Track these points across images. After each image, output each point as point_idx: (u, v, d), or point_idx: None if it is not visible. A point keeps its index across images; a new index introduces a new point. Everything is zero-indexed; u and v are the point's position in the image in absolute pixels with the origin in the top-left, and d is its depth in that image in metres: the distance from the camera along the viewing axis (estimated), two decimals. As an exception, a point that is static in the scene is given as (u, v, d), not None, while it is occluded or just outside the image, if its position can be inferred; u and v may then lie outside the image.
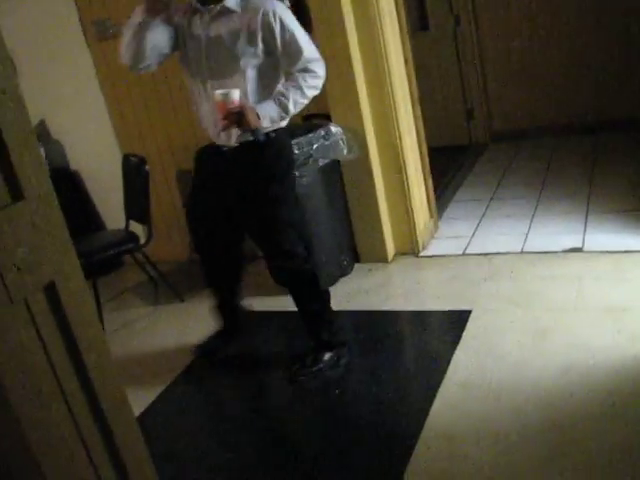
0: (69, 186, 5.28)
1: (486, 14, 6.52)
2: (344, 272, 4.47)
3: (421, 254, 4.59)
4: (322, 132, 4.04)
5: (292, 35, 3.00)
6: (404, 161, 4.41)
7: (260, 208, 3.23)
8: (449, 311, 3.82)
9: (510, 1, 6.37)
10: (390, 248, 4.59)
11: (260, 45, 3.01)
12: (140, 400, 3.44)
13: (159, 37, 3.10)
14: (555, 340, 3.30)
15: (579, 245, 4.22)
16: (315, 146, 3.98)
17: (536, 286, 3.87)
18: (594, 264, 3.97)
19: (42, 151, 4.24)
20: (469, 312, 3.71)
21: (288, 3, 4.23)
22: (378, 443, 2.86)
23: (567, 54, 6.33)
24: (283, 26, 3.00)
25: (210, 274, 3.62)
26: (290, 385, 3.42)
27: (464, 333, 3.53)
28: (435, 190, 4.98)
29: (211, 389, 3.59)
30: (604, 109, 6.35)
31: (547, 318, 3.51)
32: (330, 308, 3.52)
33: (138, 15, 3.03)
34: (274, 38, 3.00)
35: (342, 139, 4.10)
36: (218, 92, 2.90)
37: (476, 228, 4.85)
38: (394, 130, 4.32)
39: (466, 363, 3.27)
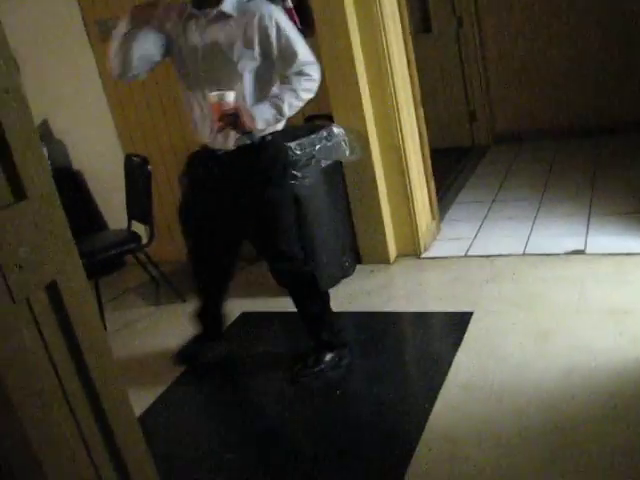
0: (71, 186, 5.28)
1: (489, 16, 6.52)
2: (346, 273, 4.46)
3: (423, 256, 4.59)
4: (324, 133, 4.04)
5: (287, 39, 3.02)
6: (406, 162, 4.41)
7: (257, 211, 3.23)
8: (451, 313, 3.81)
9: (513, 3, 6.36)
10: (392, 249, 4.59)
11: (257, 48, 3.02)
12: (141, 400, 3.44)
13: (147, 46, 3.10)
14: (557, 342, 3.30)
15: (581, 247, 4.22)
16: (317, 147, 3.98)
17: (538, 288, 3.87)
18: (596, 266, 3.96)
19: (44, 151, 4.25)
20: (471, 314, 3.71)
21: (290, 4, 4.24)
22: (379, 444, 2.86)
23: (569, 57, 6.33)
24: (279, 30, 3.01)
25: (201, 280, 3.62)
26: (291, 386, 3.41)
27: (466, 335, 3.52)
28: (437, 192, 4.98)
29: (212, 389, 3.59)
30: (606, 111, 6.34)
31: (549, 320, 3.50)
32: (330, 309, 3.52)
33: (123, 26, 3.03)
34: (270, 42, 3.01)
35: (344, 140, 4.10)
36: (213, 94, 2.92)
37: (478, 230, 4.84)
38: (396, 131, 4.32)
39: (468, 365, 3.27)
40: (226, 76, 3.03)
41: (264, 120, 3.01)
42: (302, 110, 4.43)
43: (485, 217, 5.05)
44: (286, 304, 3.56)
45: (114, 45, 3.06)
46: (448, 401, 3.03)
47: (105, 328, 4.22)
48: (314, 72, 3.09)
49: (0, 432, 1.19)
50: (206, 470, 2.95)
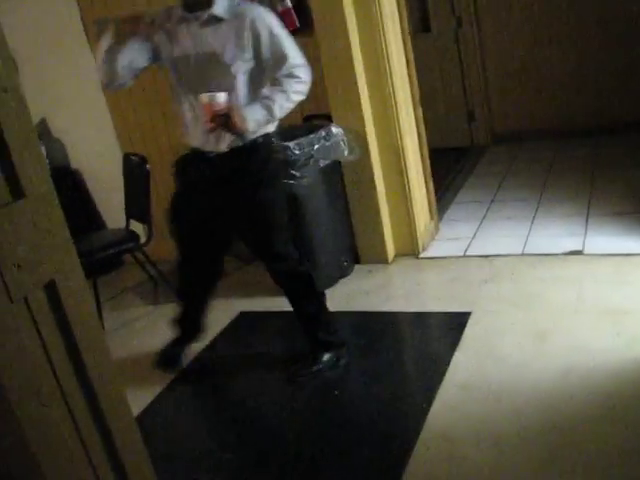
0: (70, 185, 5.28)
1: (488, 16, 6.52)
2: (344, 273, 4.47)
3: (421, 255, 4.59)
4: (323, 133, 4.04)
5: (278, 41, 3.04)
6: (405, 162, 4.41)
7: (250, 213, 3.24)
8: (449, 313, 3.82)
9: (512, 3, 6.37)
10: (390, 249, 4.59)
11: (249, 51, 3.03)
12: (139, 400, 3.44)
13: (132, 56, 3.12)
14: (555, 342, 3.30)
15: (580, 248, 4.22)
16: (316, 147, 3.98)
17: (536, 288, 3.87)
18: (594, 267, 3.97)
19: (43, 150, 4.24)
20: (469, 314, 3.71)
21: (289, 4, 4.26)
22: (377, 444, 2.86)
23: (569, 57, 6.33)
24: (269, 32, 3.03)
25: (188, 284, 3.62)
26: (289, 385, 3.42)
27: (464, 335, 3.53)
28: (436, 192, 4.98)
29: (210, 389, 3.59)
30: (606, 112, 6.35)
31: (547, 320, 3.51)
32: (326, 309, 3.53)
33: (107, 39, 3.06)
34: (261, 44, 3.02)
35: (343, 140, 4.10)
36: (204, 95, 2.94)
37: (477, 230, 4.85)
38: (395, 131, 4.33)
39: (466, 365, 3.27)
40: (219, 79, 3.04)
41: (255, 121, 3.02)
42: (301, 110, 4.45)
43: (484, 217, 5.06)
44: (284, 304, 3.56)
45: (98, 58, 3.10)
46: (446, 401, 3.03)
47: (103, 327, 4.22)
48: (304, 74, 3.10)
49: (-2, 432, 1.20)
50: (204, 470, 2.95)
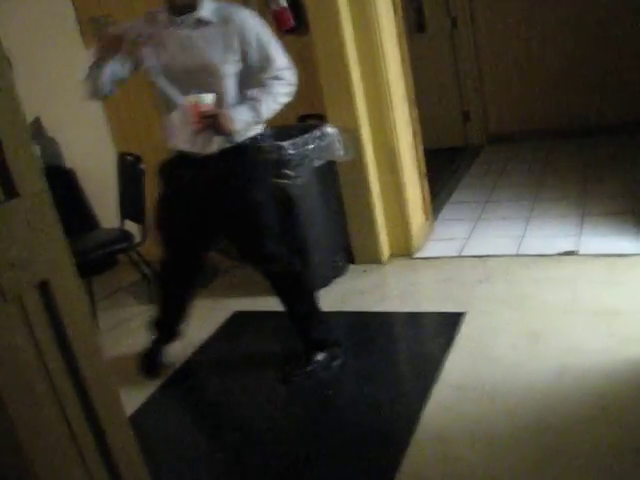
0: (64, 184, 5.27)
1: (483, 16, 6.52)
2: (338, 273, 4.47)
3: (416, 256, 4.59)
4: (318, 133, 4.04)
5: (265, 44, 3.07)
6: (400, 162, 4.41)
7: (239, 215, 3.24)
8: (443, 313, 3.82)
9: (507, 4, 6.37)
10: (385, 249, 4.59)
11: (237, 54, 3.05)
12: (133, 399, 3.43)
13: (115, 69, 3.14)
14: (549, 343, 3.31)
15: (574, 248, 4.22)
16: (311, 147, 3.98)
17: (531, 289, 3.88)
18: (588, 267, 3.97)
19: (37, 149, 4.23)
20: (463, 314, 3.71)
21: (284, 3, 4.26)
22: (371, 444, 2.86)
23: (564, 57, 6.34)
24: (256, 35, 3.06)
25: (170, 287, 3.62)
26: (283, 385, 3.41)
27: (458, 335, 3.53)
28: (431, 192, 4.98)
29: (203, 389, 3.59)
30: (600, 112, 6.36)
31: (541, 321, 3.51)
32: (319, 308, 3.53)
33: (90, 56, 3.09)
34: (248, 47, 3.05)
35: (338, 140, 4.10)
36: (191, 95, 2.95)
37: (471, 230, 4.85)
38: (390, 131, 4.33)
39: (460, 365, 3.28)
40: (207, 81, 3.04)
41: (242, 122, 3.04)
42: (295, 110, 4.45)
43: (478, 217, 5.06)
44: (278, 303, 3.56)
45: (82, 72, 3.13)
46: (440, 401, 3.03)
47: (97, 327, 4.21)
48: (290, 77, 3.15)
49: (-9, 431, 1.19)
50: (197, 470, 2.95)
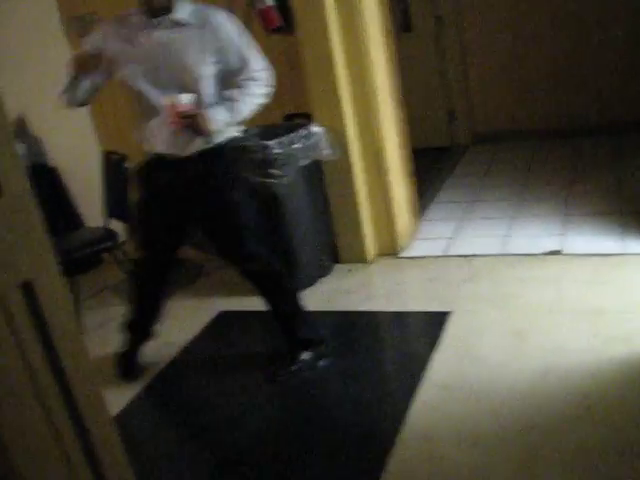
0: (48, 183, 5.25)
1: (469, 16, 6.53)
2: (324, 272, 4.46)
3: (401, 255, 4.60)
4: (304, 132, 4.03)
5: (242, 45, 3.11)
6: (385, 162, 4.41)
7: (218, 215, 3.26)
8: (429, 312, 3.82)
9: (493, 4, 6.38)
10: (370, 249, 4.59)
11: (213, 55, 3.06)
12: (118, 399, 3.42)
13: (93, 80, 3.15)
14: (533, 342, 3.32)
15: (558, 248, 4.24)
16: (296, 146, 3.97)
17: (515, 288, 3.89)
18: (573, 267, 3.99)
19: (21, 147, 4.22)
20: (449, 313, 3.72)
21: (270, 2, 4.25)
22: (356, 444, 2.86)
23: (550, 58, 6.35)
24: (233, 37, 3.09)
25: (146, 288, 3.61)
26: (269, 385, 3.41)
27: (443, 334, 3.53)
28: (417, 191, 4.99)
29: (189, 389, 3.57)
30: (586, 113, 6.37)
31: (526, 320, 3.52)
32: (303, 308, 3.53)
33: (68, 73, 3.07)
34: (225, 48, 3.07)
35: (324, 139, 4.10)
36: (168, 96, 2.97)
37: (457, 230, 4.86)
38: (376, 131, 4.33)
39: (446, 364, 3.28)
40: (185, 82, 3.05)
41: (221, 122, 3.07)
42: (282, 109, 4.45)
43: (464, 217, 5.07)
44: (263, 303, 3.56)
45: (62, 89, 3.13)
46: (426, 401, 3.03)
47: (81, 326, 4.19)
48: (267, 78, 3.18)
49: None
50: (182, 469, 2.94)
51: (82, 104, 3.23)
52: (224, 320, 4.18)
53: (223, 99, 3.11)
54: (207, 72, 3.06)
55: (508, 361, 3.20)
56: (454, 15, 6.57)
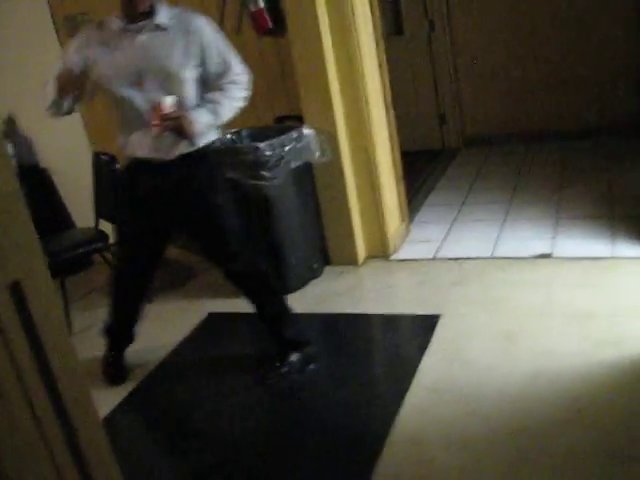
0: (38, 183, 5.23)
1: (460, 20, 6.55)
2: (314, 275, 4.46)
3: (392, 258, 4.60)
4: (295, 134, 4.03)
5: (223, 50, 3.14)
6: (376, 165, 4.41)
7: (202, 217, 3.27)
8: (419, 315, 3.82)
9: (484, 7, 6.39)
10: (361, 251, 4.59)
11: (194, 59, 3.08)
12: (107, 401, 3.41)
13: (75, 98, 3.16)
14: (523, 346, 3.32)
15: (548, 251, 4.25)
16: (287, 148, 3.97)
17: (505, 291, 3.89)
18: (563, 270, 4.00)
19: (10, 147, 4.20)
20: (439, 316, 3.72)
21: (261, 4, 4.25)
22: (345, 447, 2.86)
23: (540, 61, 6.37)
24: (214, 41, 3.12)
25: (130, 291, 3.60)
26: (258, 387, 3.40)
27: (433, 337, 3.53)
28: (407, 194, 4.99)
29: (178, 391, 3.56)
30: (576, 116, 6.39)
31: (516, 323, 3.52)
32: (289, 309, 3.53)
33: (52, 93, 3.07)
34: (206, 52, 3.09)
35: (315, 142, 4.09)
36: (151, 99, 2.98)
37: (447, 232, 4.86)
38: (367, 133, 4.33)
39: (435, 367, 3.28)
40: (168, 86, 3.05)
41: (203, 124, 3.08)
42: (273, 111, 4.45)
43: (454, 220, 5.08)
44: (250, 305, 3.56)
45: (47, 100, 3.12)
46: (415, 404, 3.03)
47: (70, 328, 4.18)
48: (247, 81, 3.21)
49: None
50: (171, 472, 2.94)
51: (68, 113, 3.23)
52: (213, 322, 4.17)
53: (205, 102, 3.13)
54: (189, 75, 3.08)
55: (498, 364, 3.21)
56: (445, 19, 6.59)
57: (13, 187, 1.23)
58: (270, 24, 4.30)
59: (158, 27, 3.05)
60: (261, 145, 3.91)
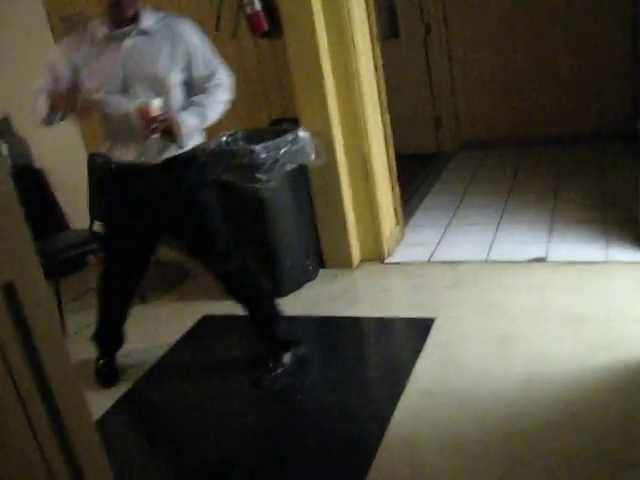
0: (33, 184, 5.22)
1: (456, 23, 6.55)
2: (309, 277, 4.46)
3: (386, 261, 4.60)
4: (290, 137, 4.03)
5: (208, 53, 3.17)
6: (371, 168, 4.41)
7: (188, 219, 3.28)
8: (413, 318, 3.82)
9: (480, 11, 6.40)
10: (356, 254, 4.59)
11: (181, 63, 3.10)
12: (101, 403, 3.39)
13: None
14: (517, 349, 3.32)
15: (543, 255, 4.25)
16: (282, 151, 3.97)
17: (500, 295, 3.90)
18: (557, 274, 4.00)
19: (5, 148, 4.18)
20: (433, 320, 3.72)
21: (257, 7, 4.25)
22: (339, 450, 2.86)
23: (536, 65, 6.38)
24: (199, 45, 3.15)
25: (119, 293, 3.62)
26: (252, 390, 3.40)
27: (427, 341, 3.53)
28: (402, 197, 4.99)
29: (172, 394, 3.55)
30: (571, 121, 6.40)
31: (510, 327, 3.53)
32: (279, 308, 3.54)
33: (43, 110, 3.08)
34: (192, 56, 3.12)
35: (310, 144, 4.09)
36: (139, 101, 2.97)
37: (442, 236, 4.87)
38: (362, 136, 4.33)
39: (429, 371, 3.28)
40: (156, 90, 3.05)
41: (190, 126, 3.09)
42: (269, 113, 4.46)
43: (449, 223, 5.08)
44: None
45: (38, 114, 3.12)
46: (409, 407, 3.03)
47: (64, 329, 4.18)
48: (230, 84, 3.24)
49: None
50: (165, 474, 2.93)
51: (62, 120, 3.20)
52: (208, 324, 4.16)
53: (190, 105, 3.13)
54: (175, 79, 3.10)
55: (492, 368, 3.21)
56: (441, 22, 6.59)
57: (7, 188, 1.23)
58: (267, 26, 4.30)
59: (143, 32, 3.06)
60: (256, 148, 3.91)
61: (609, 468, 2.48)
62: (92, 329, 3.73)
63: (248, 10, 4.28)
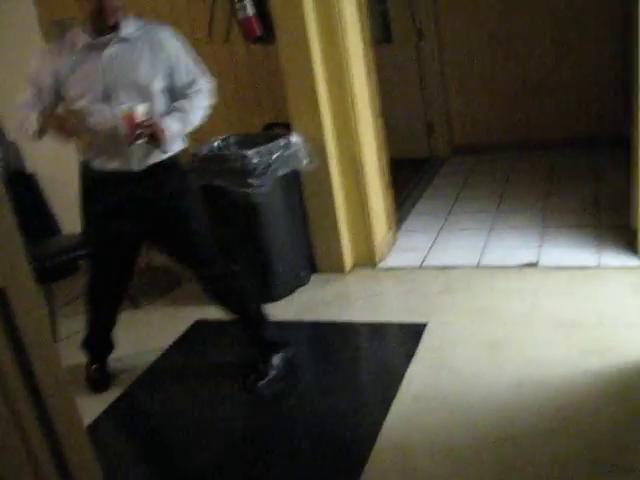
0: (25, 189, 5.20)
1: (448, 29, 6.57)
2: (301, 282, 4.46)
3: (379, 266, 4.60)
4: (282, 142, 4.03)
5: (189, 60, 3.20)
6: (364, 173, 4.42)
7: (172, 224, 3.29)
8: (405, 323, 3.83)
9: (472, 17, 6.42)
10: (348, 259, 4.59)
11: (163, 69, 3.11)
12: (92, 408, 3.38)
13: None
14: (509, 354, 3.33)
15: (535, 260, 4.26)
16: (275, 155, 3.97)
17: (491, 300, 3.90)
18: (549, 279, 4.01)
19: (-4, 153, 4.11)
20: (425, 325, 3.72)
21: (250, 12, 4.26)
22: (331, 455, 2.85)
23: (528, 70, 6.40)
24: (181, 51, 3.18)
25: (106, 300, 3.62)
26: (245, 395, 3.40)
27: (419, 346, 3.54)
28: (395, 202, 5.00)
29: (164, 398, 3.55)
30: (562, 127, 6.43)
31: (501, 332, 3.53)
32: (265, 311, 3.55)
33: (33, 128, 3.10)
34: (174, 63, 3.14)
35: (302, 149, 4.10)
36: (123, 106, 2.97)
37: (434, 241, 4.87)
38: (355, 141, 4.34)
39: (421, 376, 3.28)
40: (138, 98, 3.05)
41: (174, 132, 3.10)
42: (261, 118, 4.46)
43: (441, 228, 5.09)
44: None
45: (27, 133, 3.15)
46: (401, 412, 3.03)
47: (55, 334, 4.17)
48: (211, 89, 3.28)
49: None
50: (157, 479, 2.92)
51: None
52: (200, 329, 4.16)
53: (173, 110, 3.15)
54: (158, 86, 3.11)
55: (483, 373, 3.21)
56: (433, 27, 6.61)
57: (-1, 193, 1.23)
58: (259, 32, 4.31)
59: (124, 40, 3.07)
60: (249, 153, 3.91)
61: (600, 473, 2.48)
62: (83, 334, 3.72)
63: (240, 15, 4.29)
